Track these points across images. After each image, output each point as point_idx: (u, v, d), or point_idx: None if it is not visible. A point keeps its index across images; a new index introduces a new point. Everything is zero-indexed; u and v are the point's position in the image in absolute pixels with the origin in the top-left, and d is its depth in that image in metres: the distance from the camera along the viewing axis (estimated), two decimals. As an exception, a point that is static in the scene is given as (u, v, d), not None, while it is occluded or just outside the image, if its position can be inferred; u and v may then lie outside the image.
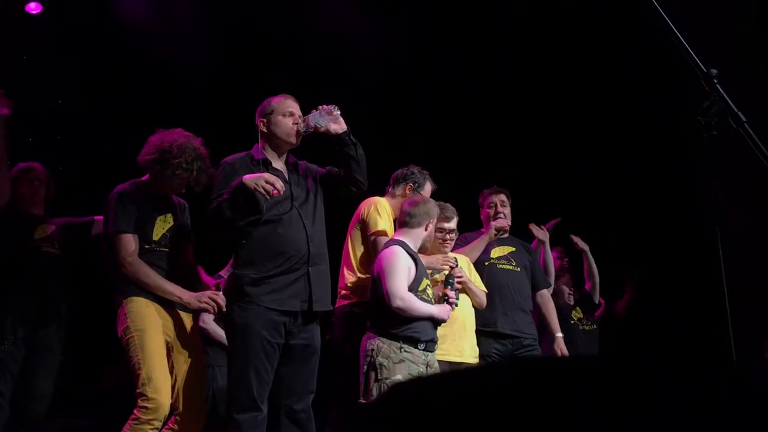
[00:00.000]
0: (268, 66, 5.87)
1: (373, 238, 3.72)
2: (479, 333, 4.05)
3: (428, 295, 3.55)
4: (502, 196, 4.50)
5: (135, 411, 3.16)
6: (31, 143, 5.74)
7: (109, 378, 5.08)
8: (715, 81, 2.00)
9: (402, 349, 3.35)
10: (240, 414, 3.11)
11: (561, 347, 4.49)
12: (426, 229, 3.64)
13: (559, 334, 4.53)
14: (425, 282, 3.57)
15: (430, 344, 3.47)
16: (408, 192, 3.98)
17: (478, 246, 4.27)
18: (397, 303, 3.37)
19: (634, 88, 5.59)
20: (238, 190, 3.13)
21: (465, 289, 3.95)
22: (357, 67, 5.72)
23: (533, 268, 4.53)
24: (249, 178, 3.12)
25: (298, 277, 3.22)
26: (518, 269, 4.40)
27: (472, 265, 4.19)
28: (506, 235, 4.51)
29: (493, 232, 4.29)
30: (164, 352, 3.26)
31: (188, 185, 3.44)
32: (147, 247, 3.37)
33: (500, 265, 4.39)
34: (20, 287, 3.92)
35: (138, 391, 3.16)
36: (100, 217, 3.92)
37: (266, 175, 3.15)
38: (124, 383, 3.53)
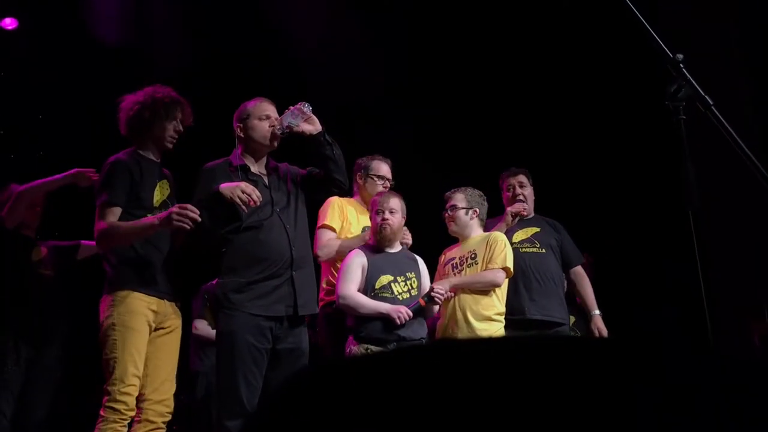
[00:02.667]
0: (246, 78, 5.84)
1: (317, 230, 3.77)
2: (508, 322, 3.88)
3: (392, 292, 3.56)
4: (521, 177, 4.39)
5: (101, 411, 3.04)
6: (13, 160, 5.72)
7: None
8: (682, 66, 2.02)
9: (369, 350, 3.36)
10: (230, 420, 3.11)
11: (598, 325, 4.26)
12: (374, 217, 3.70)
13: (596, 312, 4.31)
14: (385, 279, 3.57)
15: (404, 343, 3.42)
16: (359, 181, 4.01)
17: None
18: (340, 302, 3.51)
19: (604, 74, 5.57)
20: (215, 199, 3.12)
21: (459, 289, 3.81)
22: (352, 60, 5.70)
23: (562, 246, 4.35)
24: (225, 188, 3.12)
25: (282, 282, 3.21)
26: (543, 250, 4.24)
27: (504, 242, 3.93)
28: (530, 215, 4.39)
29: (510, 218, 4.20)
30: (143, 352, 3.12)
31: (181, 125, 3.32)
32: (149, 215, 3.20)
33: (523, 249, 4.21)
34: (22, 309, 3.98)
35: (106, 386, 3.05)
36: (87, 242, 3.95)
37: (242, 184, 3.13)
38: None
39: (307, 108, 3.31)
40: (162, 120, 3.28)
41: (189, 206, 3.00)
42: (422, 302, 3.54)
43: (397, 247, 3.73)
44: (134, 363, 3.08)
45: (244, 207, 3.11)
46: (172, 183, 3.40)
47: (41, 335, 4.01)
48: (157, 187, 3.29)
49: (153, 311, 3.18)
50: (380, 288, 3.54)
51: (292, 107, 3.33)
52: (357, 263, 3.56)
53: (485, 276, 3.80)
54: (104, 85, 5.75)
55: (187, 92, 5.60)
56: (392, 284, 3.57)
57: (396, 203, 3.70)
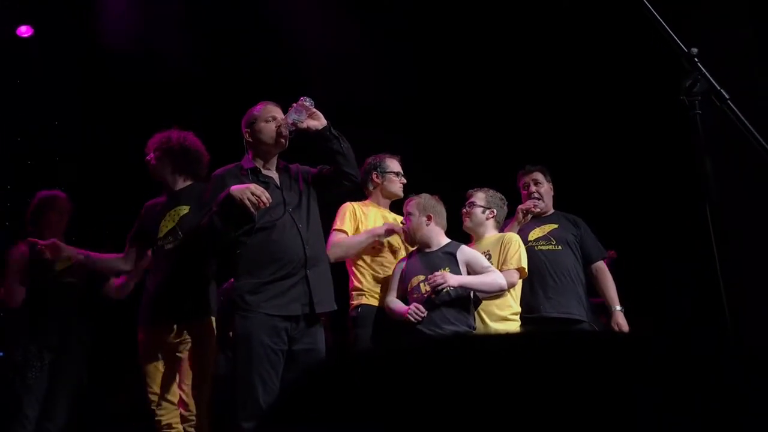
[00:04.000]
0: (253, 80, 5.86)
1: (330, 234, 3.81)
2: (525, 321, 3.85)
3: (420, 292, 3.60)
4: (535, 175, 4.37)
5: None
6: (30, 166, 5.77)
7: (123, 398, 5.13)
8: (696, 60, 2.00)
9: None
10: (247, 422, 3.11)
11: (618, 321, 4.17)
12: (428, 223, 3.73)
13: (618, 308, 4.22)
14: (416, 280, 3.62)
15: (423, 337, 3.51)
16: (377, 180, 4.02)
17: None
18: (386, 311, 3.66)
19: (618, 70, 5.53)
20: (226, 201, 3.14)
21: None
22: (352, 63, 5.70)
23: (582, 241, 4.29)
24: (236, 190, 3.14)
25: (297, 282, 3.22)
26: (559, 247, 4.19)
27: (518, 242, 3.91)
28: (549, 212, 4.38)
29: (521, 215, 4.17)
30: (151, 371, 3.54)
31: (186, 147, 3.70)
32: (155, 248, 3.60)
33: (538, 247, 4.17)
34: (43, 316, 4.06)
35: None
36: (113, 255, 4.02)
37: (252, 186, 3.15)
38: (137, 403, 3.72)
39: (309, 102, 3.32)
40: (168, 151, 3.67)
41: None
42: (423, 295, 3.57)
43: (436, 246, 3.73)
44: (147, 383, 3.54)
45: (252, 209, 3.12)
46: (195, 197, 3.64)
47: (61, 342, 4.07)
48: (166, 217, 3.60)
49: (157, 337, 3.52)
50: (411, 290, 3.60)
51: (294, 104, 3.34)
52: (397, 271, 3.72)
53: (492, 281, 3.64)
54: (119, 91, 5.82)
55: (193, 99, 5.67)
56: (421, 284, 3.59)
57: (411, 206, 3.78)
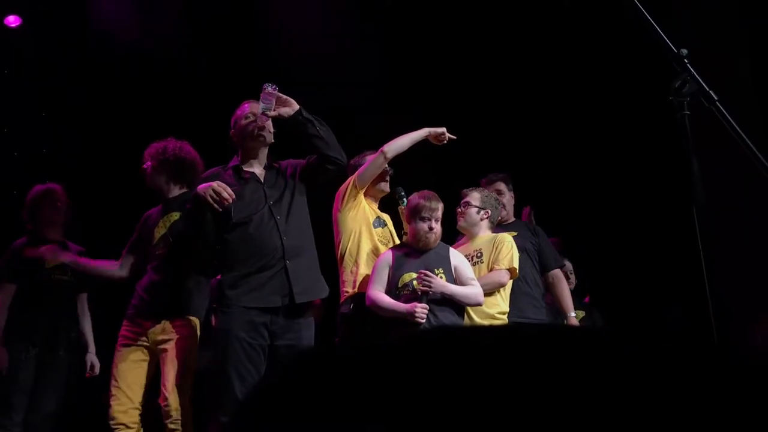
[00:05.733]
0: (250, 73, 5.84)
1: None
2: None
3: (414, 287, 3.50)
4: (497, 185, 4.44)
5: None
6: (16, 158, 5.73)
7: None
8: (686, 61, 2.00)
9: None
10: (225, 417, 3.11)
11: None
12: (418, 222, 3.60)
13: (572, 314, 4.39)
14: (408, 277, 3.52)
15: None
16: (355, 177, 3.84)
17: None
18: (367, 303, 3.48)
19: (607, 70, 5.54)
20: (193, 201, 3.21)
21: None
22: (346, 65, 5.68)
23: (540, 249, 4.41)
24: (200, 189, 3.19)
25: (275, 273, 3.21)
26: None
27: (511, 243, 3.94)
28: (509, 221, 4.45)
29: None
30: (121, 368, 3.52)
31: (179, 162, 3.75)
32: (148, 253, 3.68)
33: None
34: (31, 311, 4.07)
35: None
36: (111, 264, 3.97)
37: (215, 184, 3.18)
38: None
39: (272, 88, 3.22)
40: (164, 163, 3.75)
41: None
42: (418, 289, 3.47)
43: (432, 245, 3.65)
44: (114, 375, 3.54)
45: (217, 206, 3.15)
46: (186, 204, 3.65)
47: (49, 338, 4.08)
48: (159, 226, 3.69)
49: (138, 332, 3.56)
50: (402, 286, 3.51)
51: (261, 94, 3.26)
52: (384, 264, 3.54)
53: (475, 297, 3.62)
54: (106, 83, 5.78)
55: (188, 96, 5.64)
56: (414, 281, 3.50)
57: (441, 210, 3.64)
